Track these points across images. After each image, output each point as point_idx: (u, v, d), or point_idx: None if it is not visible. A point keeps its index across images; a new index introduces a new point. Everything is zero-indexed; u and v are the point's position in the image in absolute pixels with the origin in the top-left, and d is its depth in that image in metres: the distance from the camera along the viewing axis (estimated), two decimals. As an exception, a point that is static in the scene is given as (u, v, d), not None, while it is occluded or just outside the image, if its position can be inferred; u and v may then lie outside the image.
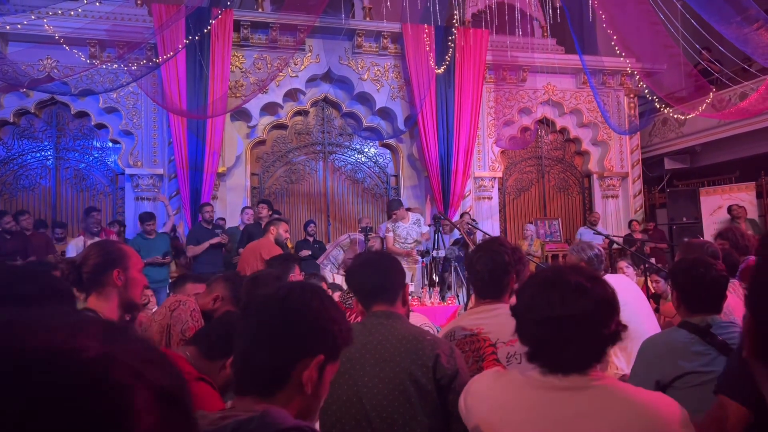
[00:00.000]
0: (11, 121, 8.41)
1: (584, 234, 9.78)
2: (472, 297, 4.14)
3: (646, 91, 9.48)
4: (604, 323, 1.23)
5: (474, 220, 9.40)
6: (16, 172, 8.55)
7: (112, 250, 2.03)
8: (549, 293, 1.26)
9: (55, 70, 8.20)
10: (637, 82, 10.19)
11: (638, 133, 10.82)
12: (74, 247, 6.91)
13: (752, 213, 9.50)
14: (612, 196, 10.77)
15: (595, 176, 10.85)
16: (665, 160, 11.53)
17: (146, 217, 7.27)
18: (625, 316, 1.80)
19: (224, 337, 1.66)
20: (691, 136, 10.68)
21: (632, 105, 10.83)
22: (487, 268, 2.05)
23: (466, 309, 4.75)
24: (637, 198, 10.70)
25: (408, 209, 7.83)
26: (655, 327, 2.95)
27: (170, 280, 6.76)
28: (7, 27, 7.61)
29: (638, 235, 9.44)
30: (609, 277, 3.10)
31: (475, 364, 1.92)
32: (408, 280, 5.70)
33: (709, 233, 9.92)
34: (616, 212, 10.72)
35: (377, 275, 1.85)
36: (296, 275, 3.56)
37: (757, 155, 10.09)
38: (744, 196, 9.79)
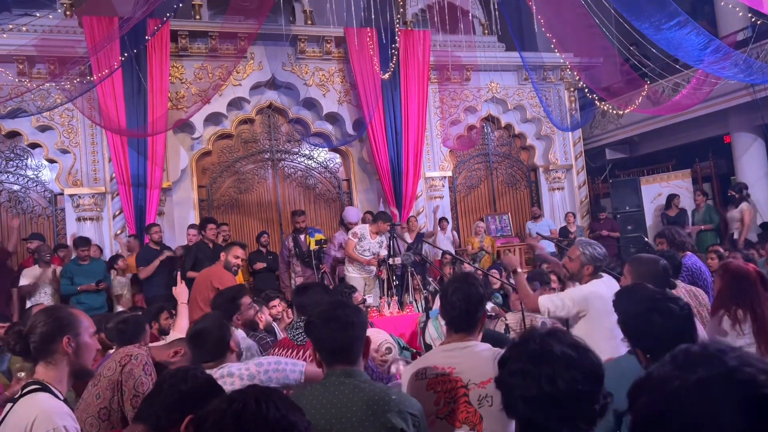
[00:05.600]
0: (-65, 144, 7.91)
1: (531, 228, 10.04)
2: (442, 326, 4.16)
3: (586, 89, 9.75)
4: (594, 397, 1.20)
5: (421, 232, 9.32)
6: (-55, 197, 8.06)
7: (61, 316, 1.94)
8: (538, 368, 1.21)
9: (-20, 89, 7.75)
10: (576, 78, 10.49)
11: (579, 126, 11.14)
12: (29, 278, 6.63)
13: (688, 198, 9.96)
14: (558, 188, 11.07)
15: (540, 170, 11.12)
16: (606, 150, 11.95)
17: (80, 242, 7.01)
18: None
19: (170, 405, 1.61)
20: (629, 127, 11.10)
21: (572, 99, 11.13)
22: (463, 300, 2.09)
23: (427, 318, 4.80)
24: (581, 189, 11.04)
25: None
26: None
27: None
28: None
29: (572, 227, 9.75)
30: (597, 282, 3.20)
31: (446, 406, 1.93)
32: (362, 290, 5.70)
33: (650, 220, 10.36)
34: (563, 204, 11.02)
35: (339, 333, 1.81)
36: (246, 302, 3.51)
37: (692, 143, 10.60)
38: (681, 182, 10.25)
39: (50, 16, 7.96)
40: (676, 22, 5.12)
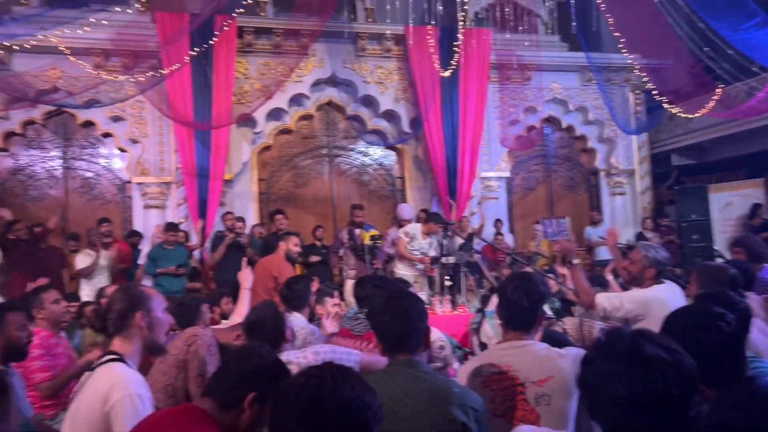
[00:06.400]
0: (18, 131, 8.42)
1: (591, 234, 9.78)
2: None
3: (654, 91, 9.39)
4: (689, 403, 1.11)
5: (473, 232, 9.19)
6: (24, 182, 8.56)
7: (134, 293, 2.04)
8: (629, 369, 1.11)
9: (61, 81, 8.19)
10: (643, 79, 10.12)
11: (644, 129, 10.75)
12: (82, 260, 6.94)
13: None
14: (619, 194, 10.74)
15: (602, 173, 10.81)
16: (672, 156, 11.49)
17: (169, 227, 7.28)
18: None
19: (236, 384, 1.66)
20: (699, 132, 10.62)
21: (638, 101, 10.76)
22: (524, 296, 2.07)
23: (483, 318, 4.75)
24: (644, 195, 10.66)
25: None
26: None
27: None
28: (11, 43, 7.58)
29: (649, 233, 9.40)
30: (659, 287, 3.09)
31: (503, 403, 1.91)
32: (413, 287, 5.69)
33: (718, 230, 9.90)
34: (624, 209, 10.70)
35: (402, 323, 1.83)
36: (315, 287, 3.61)
37: (766, 151, 10.04)
38: (752, 192, 9.74)
39: (128, 11, 8.33)
40: (753, 23, 4.86)
